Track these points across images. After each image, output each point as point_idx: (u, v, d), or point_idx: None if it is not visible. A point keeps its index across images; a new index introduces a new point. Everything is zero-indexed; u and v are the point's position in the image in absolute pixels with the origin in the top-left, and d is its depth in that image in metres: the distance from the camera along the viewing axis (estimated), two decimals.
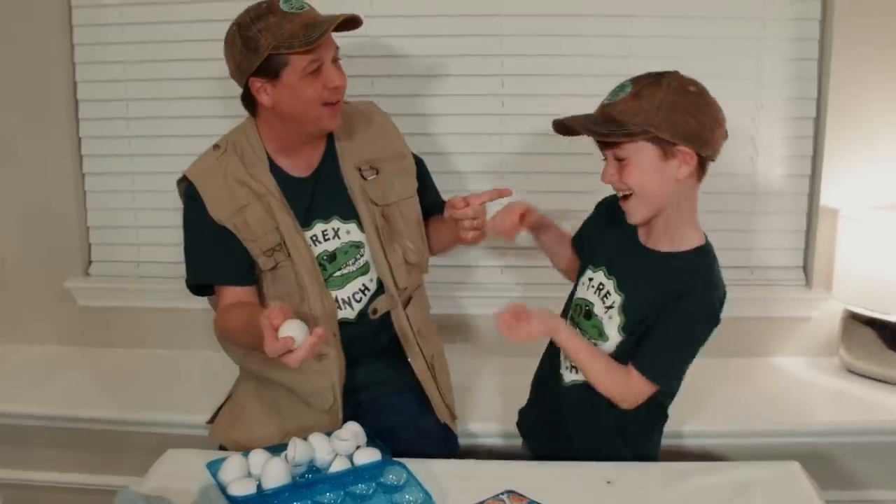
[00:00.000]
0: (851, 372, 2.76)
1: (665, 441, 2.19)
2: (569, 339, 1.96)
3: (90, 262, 3.06)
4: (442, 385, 2.34)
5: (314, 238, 2.17)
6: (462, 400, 2.50)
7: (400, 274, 2.23)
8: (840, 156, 2.77)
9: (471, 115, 2.85)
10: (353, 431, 1.94)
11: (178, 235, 2.80)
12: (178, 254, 2.82)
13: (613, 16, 2.76)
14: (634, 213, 1.92)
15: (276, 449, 1.90)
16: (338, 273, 2.18)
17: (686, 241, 1.96)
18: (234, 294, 2.15)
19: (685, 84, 1.86)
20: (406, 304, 2.26)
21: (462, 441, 2.43)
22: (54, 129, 2.92)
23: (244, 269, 2.14)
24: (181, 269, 2.84)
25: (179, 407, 2.60)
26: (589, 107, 1.91)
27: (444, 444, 2.32)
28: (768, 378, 2.78)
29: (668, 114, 1.81)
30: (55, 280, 3.00)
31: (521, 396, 2.26)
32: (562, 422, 2.09)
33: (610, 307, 1.98)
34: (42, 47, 2.86)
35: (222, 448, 2.21)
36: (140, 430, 2.60)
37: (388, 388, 2.28)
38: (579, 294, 2.09)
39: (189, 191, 2.16)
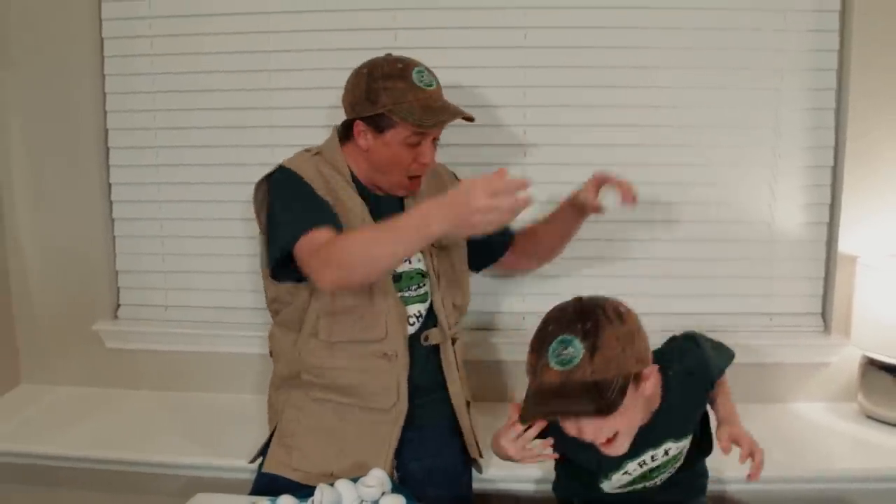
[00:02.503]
0: (870, 418, 2.75)
1: None
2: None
3: (118, 306, 3.09)
4: (474, 423, 2.40)
5: None
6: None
7: (450, 312, 2.31)
8: (858, 203, 2.78)
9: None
10: (378, 478, 1.97)
11: (205, 280, 2.94)
12: (206, 298, 2.97)
13: (633, 67, 2.79)
14: (622, 446, 1.83)
15: (303, 496, 1.93)
16: (399, 294, 2.23)
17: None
18: (327, 234, 2.04)
19: (615, 307, 1.78)
20: (453, 341, 2.33)
21: (485, 486, 2.46)
22: (85, 174, 2.96)
23: (340, 224, 2.10)
24: (208, 314, 2.98)
25: (207, 449, 2.60)
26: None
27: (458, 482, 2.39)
28: (787, 423, 2.77)
29: (630, 348, 1.74)
30: (84, 322, 3.02)
31: None
32: None
33: (667, 451, 1.96)
34: (74, 95, 2.92)
35: (268, 478, 2.23)
36: (167, 473, 2.60)
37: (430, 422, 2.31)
38: (621, 484, 2.00)
39: (285, 172, 2.18)
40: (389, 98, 2.10)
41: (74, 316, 3.04)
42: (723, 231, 2.86)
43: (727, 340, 2.20)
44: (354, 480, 1.96)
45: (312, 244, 2.00)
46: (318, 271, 1.98)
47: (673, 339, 2.07)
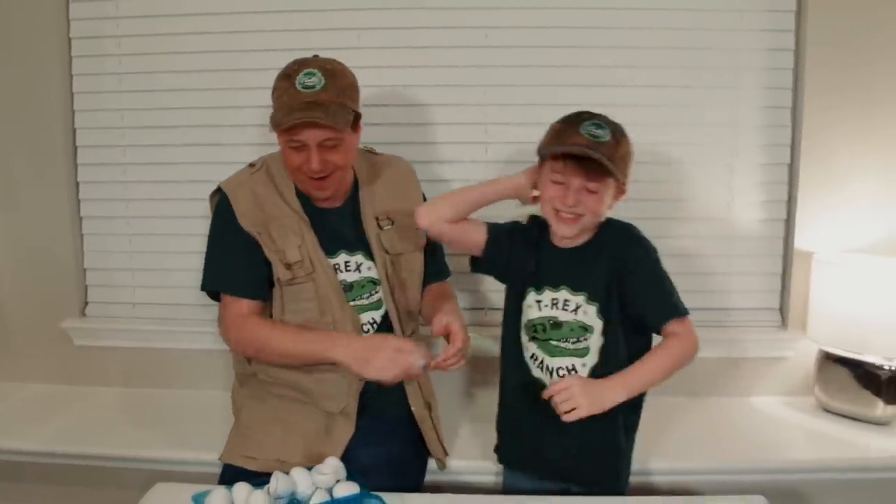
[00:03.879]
0: (826, 411, 2.78)
1: (635, 477, 2.25)
2: (634, 386, 2.05)
3: (86, 303, 3.09)
4: (436, 424, 2.42)
5: (336, 266, 2.27)
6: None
7: (405, 318, 2.34)
8: (814, 200, 2.82)
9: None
10: (333, 466, 2.00)
11: (172, 278, 2.94)
12: (173, 296, 2.96)
13: (593, 66, 2.83)
14: (575, 230, 2.11)
15: (259, 483, 1.94)
16: (352, 303, 2.27)
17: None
18: (248, 306, 2.25)
19: (628, 138, 2.10)
20: None
21: (446, 478, 2.48)
22: (53, 173, 2.97)
23: (261, 282, 2.23)
24: (176, 311, 2.97)
25: (173, 443, 2.61)
26: None
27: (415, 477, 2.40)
28: (744, 417, 2.80)
29: (627, 163, 2.09)
30: (52, 320, 3.02)
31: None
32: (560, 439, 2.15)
33: (576, 308, 2.12)
34: (42, 94, 2.93)
35: (233, 470, 2.24)
36: (133, 467, 2.60)
37: (386, 412, 2.33)
38: (530, 317, 2.18)
39: (221, 200, 2.27)
40: (274, 97, 2.15)
41: (42, 314, 3.04)
42: (682, 227, 2.89)
43: None
44: (309, 469, 1.99)
45: (232, 311, 2.25)
46: (234, 343, 2.29)
47: None
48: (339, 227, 2.31)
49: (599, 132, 2.02)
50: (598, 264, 2.12)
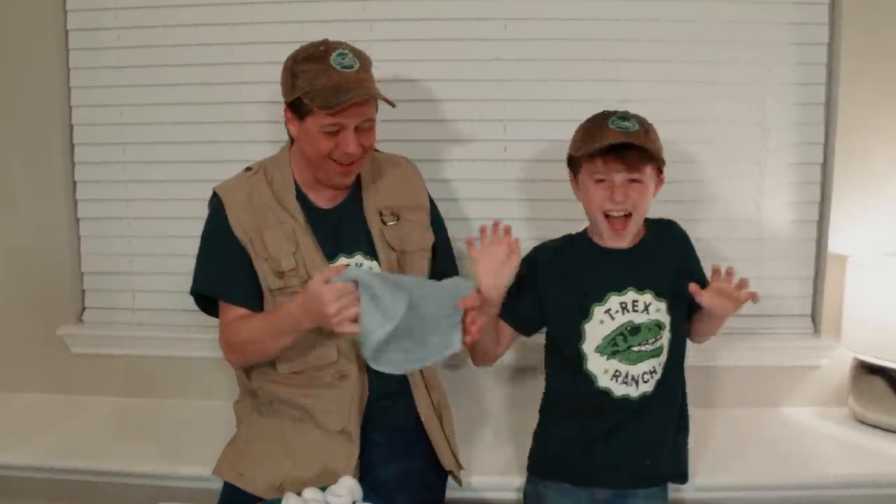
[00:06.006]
0: (861, 422, 2.72)
1: (671, 494, 2.23)
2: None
3: (84, 309, 3.04)
4: (448, 434, 2.34)
5: None
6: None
7: None
8: (848, 201, 2.77)
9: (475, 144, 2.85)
10: (348, 487, 1.91)
11: (175, 282, 2.85)
12: (176, 301, 2.89)
13: (615, 60, 2.77)
14: (628, 238, 2.18)
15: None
16: None
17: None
18: (238, 312, 2.19)
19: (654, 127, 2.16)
20: None
21: (460, 495, 2.41)
22: (49, 172, 2.92)
23: (251, 291, 2.18)
24: (178, 317, 2.93)
25: (175, 458, 2.55)
26: None
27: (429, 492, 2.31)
28: (776, 429, 2.74)
29: (661, 148, 2.14)
30: (48, 327, 2.97)
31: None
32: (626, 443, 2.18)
33: (647, 307, 2.16)
34: (38, 88, 2.88)
35: (233, 489, 2.18)
36: (133, 483, 2.54)
37: (394, 425, 2.27)
38: (603, 334, 2.16)
39: (215, 204, 2.24)
40: (304, 81, 2.07)
41: (38, 320, 2.98)
42: (710, 229, 2.82)
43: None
44: (323, 489, 1.90)
45: (223, 318, 2.22)
46: (226, 354, 2.24)
47: None
48: (339, 229, 2.24)
49: (627, 124, 2.08)
50: (659, 261, 2.19)
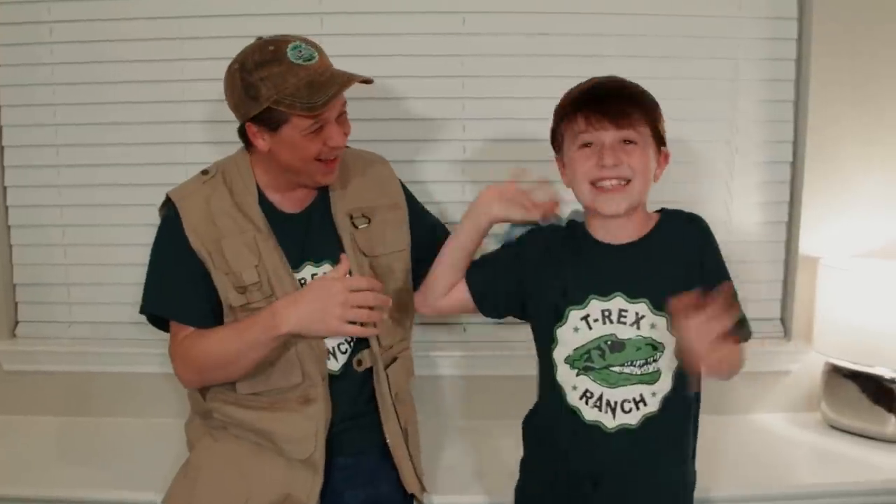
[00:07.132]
0: (834, 427, 2.70)
1: None
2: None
3: (17, 323, 2.90)
4: (413, 454, 2.24)
5: (302, 281, 2.09)
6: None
7: (383, 329, 2.13)
8: (819, 201, 2.75)
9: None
10: None
11: (115, 293, 2.80)
12: (114, 313, 2.81)
13: (579, 56, 2.69)
14: (626, 200, 1.80)
15: None
16: None
17: (649, 216, 1.92)
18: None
19: None
20: (389, 363, 2.16)
21: None
22: None
23: (205, 310, 2.05)
24: (118, 330, 2.82)
25: (120, 483, 2.41)
26: None
27: None
28: (747, 436, 2.71)
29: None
30: None
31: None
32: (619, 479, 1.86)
33: (638, 320, 1.81)
34: None
35: None
36: None
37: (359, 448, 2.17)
38: (575, 345, 1.85)
39: (169, 212, 2.10)
40: (270, 88, 1.93)
41: None
42: None
43: None
44: None
45: (176, 339, 2.07)
46: (179, 372, 2.08)
47: None
48: (305, 235, 2.13)
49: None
50: (665, 265, 1.83)
